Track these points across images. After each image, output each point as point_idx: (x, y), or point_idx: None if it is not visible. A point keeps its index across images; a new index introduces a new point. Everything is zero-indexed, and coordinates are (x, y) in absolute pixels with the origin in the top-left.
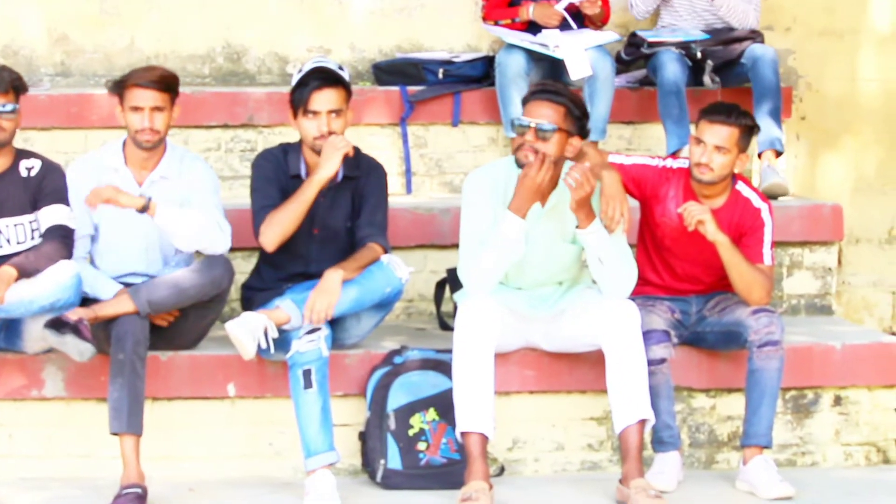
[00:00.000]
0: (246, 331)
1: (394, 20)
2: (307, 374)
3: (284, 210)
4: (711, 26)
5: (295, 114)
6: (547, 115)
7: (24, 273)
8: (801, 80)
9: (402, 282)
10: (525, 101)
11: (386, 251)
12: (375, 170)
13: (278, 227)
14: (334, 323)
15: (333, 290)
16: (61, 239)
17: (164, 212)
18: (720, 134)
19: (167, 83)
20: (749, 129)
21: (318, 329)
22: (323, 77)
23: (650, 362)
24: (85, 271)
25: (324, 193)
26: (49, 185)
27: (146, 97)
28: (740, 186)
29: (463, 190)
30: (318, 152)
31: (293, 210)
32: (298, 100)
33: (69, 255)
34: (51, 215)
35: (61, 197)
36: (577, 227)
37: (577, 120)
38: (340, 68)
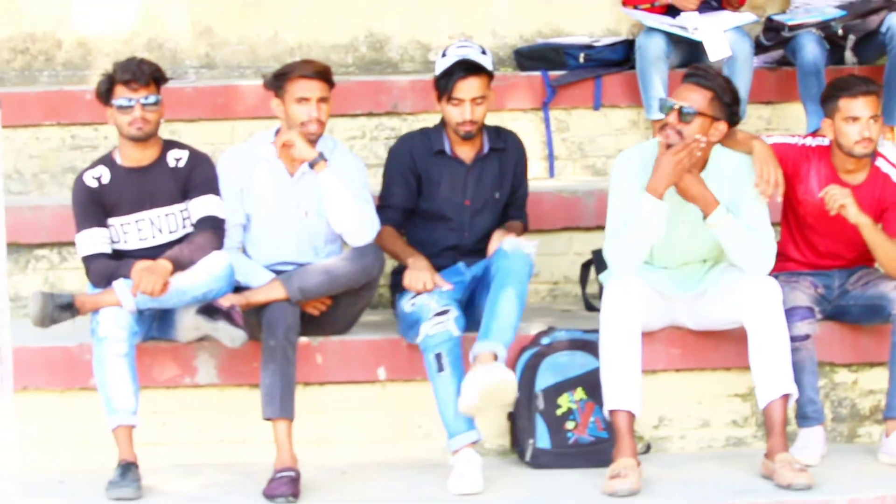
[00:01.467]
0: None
1: (534, 5)
2: (438, 357)
3: (393, 248)
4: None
5: (439, 98)
6: (693, 98)
7: (179, 265)
8: None
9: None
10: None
11: (525, 227)
12: (519, 144)
13: (383, 252)
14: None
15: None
16: (213, 230)
17: (331, 175)
18: (869, 104)
19: (327, 74)
20: (877, 94)
21: (447, 311)
22: (468, 66)
23: (794, 338)
24: (237, 260)
25: (471, 166)
26: (198, 176)
27: (312, 88)
28: (879, 162)
29: (612, 171)
30: (460, 136)
31: (391, 253)
32: (444, 87)
33: (221, 246)
34: (202, 206)
35: (211, 187)
36: (703, 218)
37: (727, 106)
38: (483, 52)
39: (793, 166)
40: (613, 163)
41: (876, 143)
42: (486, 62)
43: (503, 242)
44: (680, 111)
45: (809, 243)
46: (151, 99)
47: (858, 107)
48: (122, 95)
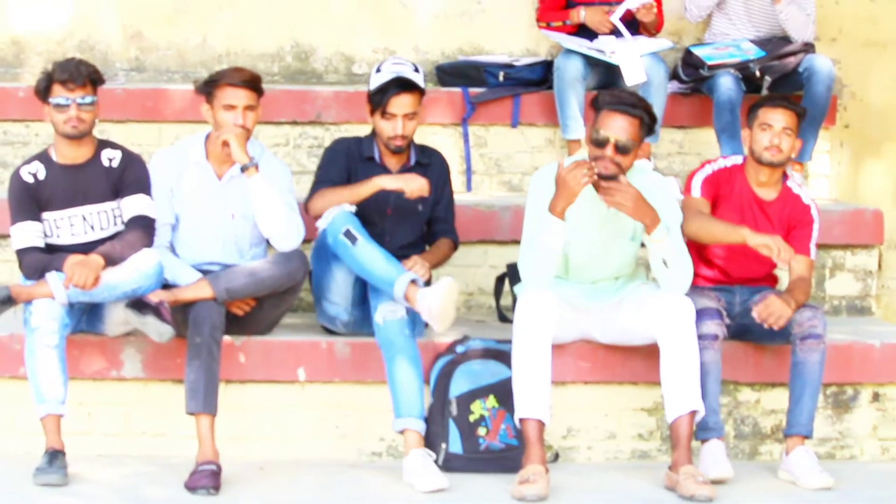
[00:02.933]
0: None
1: (456, 24)
2: (347, 233)
3: (338, 193)
4: (766, 34)
5: (372, 111)
6: (625, 129)
7: (110, 261)
8: (845, 90)
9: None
10: (599, 108)
11: (456, 245)
12: (443, 161)
13: (327, 203)
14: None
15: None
16: (143, 228)
17: (261, 180)
18: (785, 117)
19: (256, 83)
20: (801, 116)
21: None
22: (402, 84)
23: (702, 337)
24: (166, 258)
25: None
26: (130, 176)
27: (239, 96)
28: (790, 183)
29: (529, 186)
30: (390, 150)
31: (343, 196)
32: (378, 102)
33: (151, 244)
34: (133, 205)
35: (142, 187)
36: (644, 232)
37: (648, 126)
38: (416, 69)
39: (720, 191)
40: (530, 179)
41: (786, 155)
42: (419, 80)
43: (375, 314)
44: (616, 145)
45: (717, 259)
46: (88, 99)
47: (774, 116)
48: (59, 94)
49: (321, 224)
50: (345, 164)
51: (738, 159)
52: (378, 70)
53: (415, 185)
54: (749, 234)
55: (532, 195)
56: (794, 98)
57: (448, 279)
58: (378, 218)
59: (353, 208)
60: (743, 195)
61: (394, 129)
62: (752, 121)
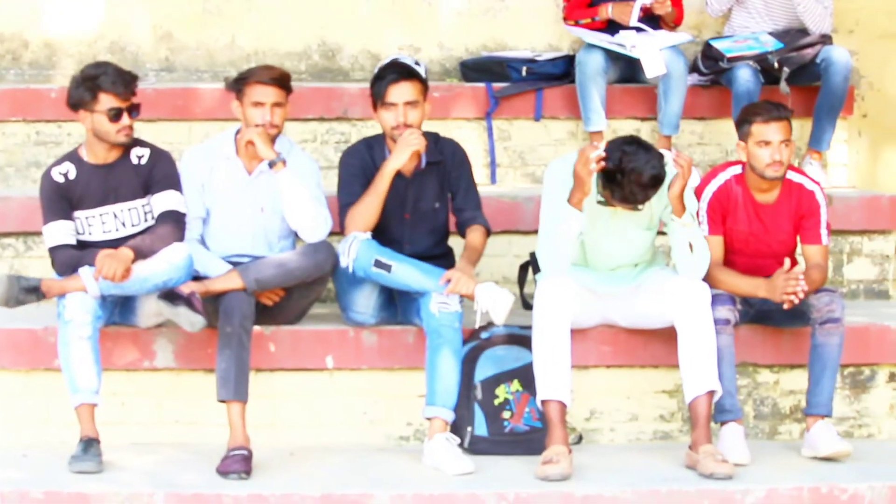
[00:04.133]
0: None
1: (480, 20)
2: (378, 262)
3: (363, 203)
4: (784, 27)
5: (375, 106)
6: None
7: (140, 254)
8: (863, 80)
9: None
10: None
11: (488, 231)
12: (458, 152)
13: (360, 220)
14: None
15: (470, 276)
16: (174, 223)
17: (288, 175)
18: (781, 129)
19: (284, 81)
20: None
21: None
22: (398, 71)
23: (715, 322)
24: (196, 251)
25: (411, 180)
26: (159, 173)
27: (268, 93)
28: (790, 174)
29: (544, 177)
30: (395, 141)
31: (370, 203)
32: (377, 93)
33: (181, 238)
34: (163, 201)
35: (172, 183)
36: (672, 216)
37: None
38: (417, 63)
39: (727, 205)
40: (545, 170)
41: (786, 165)
42: (418, 70)
43: (430, 304)
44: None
45: (733, 264)
46: (136, 107)
47: (770, 131)
48: (111, 105)
49: (344, 261)
50: (363, 177)
51: (736, 169)
52: (379, 68)
53: (412, 144)
54: (760, 289)
55: (547, 186)
56: (810, 89)
57: (509, 298)
58: (397, 224)
59: (369, 234)
60: (747, 206)
61: (395, 118)
62: (744, 135)
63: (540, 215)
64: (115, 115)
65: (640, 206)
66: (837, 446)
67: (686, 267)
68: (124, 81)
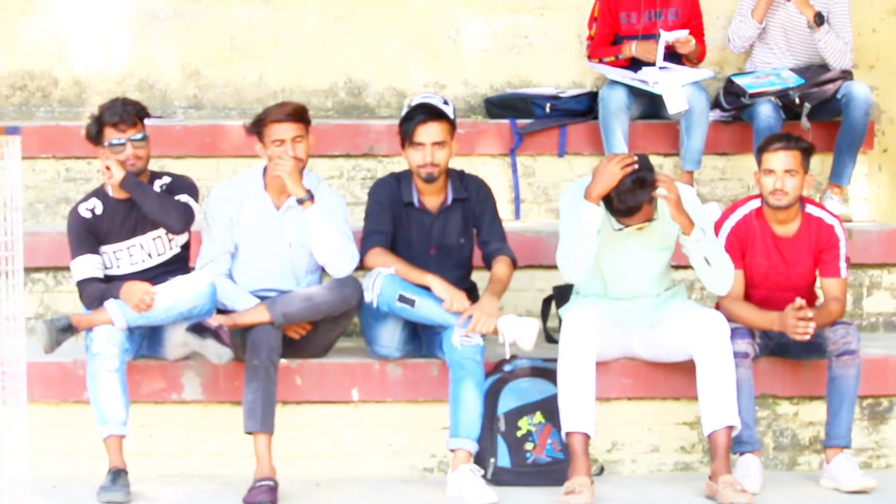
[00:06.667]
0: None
1: (504, 58)
2: (402, 297)
3: (398, 266)
4: (805, 63)
5: (403, 144)
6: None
7: (143, 195)
8: (883, 115)
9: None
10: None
11: (514, 262)
12: (482, 188)
13: (380, 264)
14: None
15: (493, 311)
16: (182, 205)
17: (316, 211)
18: (786, 159)
19: (300, 114)
20: (807, 151)
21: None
22: (427, 111)
23: (734, 355)
24: (224, 285)
25: (437, 216)
26: (177, 188)
27: (285, 130)
28: (809, 208)
29: (560, 200)
30: (422, 179)
31: (399, 270)
32: (406, 132)
33: (183, 215)
34: (178, 197)
35: (189, 192)
36: (682, 234)
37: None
38: (445, 102)
39: (746, 240)
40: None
41: (793, 196)
42: (447, 110)
43: (452, 337)
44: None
45: (751, 297)
46: (139, 136)
47: (774, 160)
48: (112, 137)
49: (369, 297)
50: (390, 211)
51: (756, 203)
52: (409, 106)
53: (458, 306)
54: (775, 324)
55: (565, 204)
56: (831, 124)
57: (534, 325)
58: (422, 258)
59: (393, 269)
60: (766, 239)
61: (423, 157)
62: (759, 165)
63: (559, 230)
64: (116, 146)
65: (653, 218)
66: (861, 482)
67: (709, 281)
68: (122, 113)
